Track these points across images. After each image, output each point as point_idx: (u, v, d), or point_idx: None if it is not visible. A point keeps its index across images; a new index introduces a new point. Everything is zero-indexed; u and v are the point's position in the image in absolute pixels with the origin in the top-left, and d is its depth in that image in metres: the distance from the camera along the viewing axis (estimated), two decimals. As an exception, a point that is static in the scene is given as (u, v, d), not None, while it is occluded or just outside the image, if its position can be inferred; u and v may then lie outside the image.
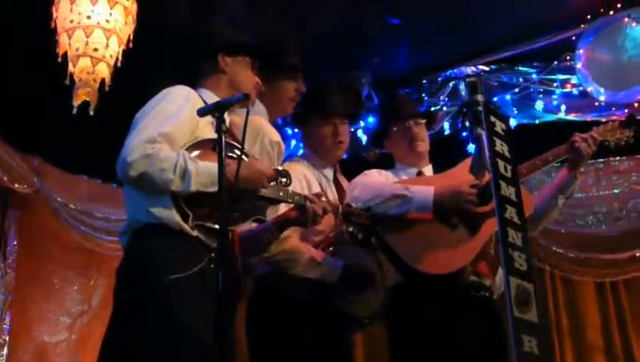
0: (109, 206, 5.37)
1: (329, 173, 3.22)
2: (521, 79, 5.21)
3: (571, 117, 5.09)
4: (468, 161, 2.66)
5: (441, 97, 5.41)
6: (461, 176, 2.90)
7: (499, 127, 2.23)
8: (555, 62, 5.09)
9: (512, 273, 1.97)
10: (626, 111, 4.73)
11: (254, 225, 2.57)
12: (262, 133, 2.80)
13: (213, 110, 2.18)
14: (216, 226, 2.24)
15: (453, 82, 5.38)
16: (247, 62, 2.71)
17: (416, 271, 2.84)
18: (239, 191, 2.29)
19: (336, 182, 3.23)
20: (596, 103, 4.94)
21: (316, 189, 2.98)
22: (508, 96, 5.22)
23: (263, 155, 2.75)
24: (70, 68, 3.95)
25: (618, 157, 5.08)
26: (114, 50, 3.98)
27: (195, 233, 2.28)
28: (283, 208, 2.74)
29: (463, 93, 5.28)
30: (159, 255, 2.23)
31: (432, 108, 5.32)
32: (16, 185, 4.89)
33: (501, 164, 2.15)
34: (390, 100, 3.58)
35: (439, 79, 5.44)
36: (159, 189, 2.24)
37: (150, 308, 2.16)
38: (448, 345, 2.81)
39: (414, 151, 3.27)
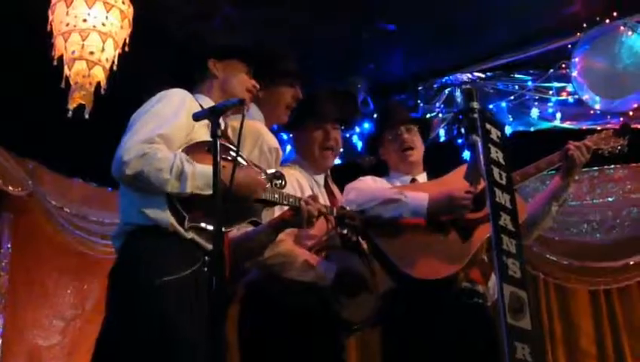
0: (104, 209, 5.36)
1: (320, 178, 3.21)
2: (516, 87, 5.22)
3: (566, 125, 5.09)
4: (463, 168, 2.67)
5: (437, 104, 5.40)
6: (456, 182, 2.90)
7: (494, 134, 2.24)
8: (551, 70, 5.10)
9: (506, 280, 1.97)
10: (621, 119, 4.75)
11: (250, 227, 2.57)
12: (261, 138, 2.81)
13: (209, 115, 2.17)
14: (212, 228, 2.24)
15: (449, 89, 5.38)
16: (241, 66, 2.71)
17: (408, 276, 2.84)
18: (234, 195, 2.29)
19: (327, 187, 3.23)
20: (591, 111, 4.95)
21: (309, 193, 2.98)
22: (503, 104, 5.23)
23: (262, 160, 2.75)
24: (66, 71, 3.94)
25: (613, 166, 5.07)
26: (110, 53, 3.97)
27: (190, 235, 2.28)
28: (278, 211, 2.74)
29: (459, 100, 5.28)
30: (151, 257, 2.22)
31: (428, 115, 5.32)
32: (10, 188, 4.88)
33: (496, 171, 2.16)
34: (383, 108, 3.60)
35: (435, 86, 5.44)
36: (155, 189, 2.24)
37: (142, 310, 2.15)
38: (441, 351, 2.81)
39: (406, 161, 3.28)
